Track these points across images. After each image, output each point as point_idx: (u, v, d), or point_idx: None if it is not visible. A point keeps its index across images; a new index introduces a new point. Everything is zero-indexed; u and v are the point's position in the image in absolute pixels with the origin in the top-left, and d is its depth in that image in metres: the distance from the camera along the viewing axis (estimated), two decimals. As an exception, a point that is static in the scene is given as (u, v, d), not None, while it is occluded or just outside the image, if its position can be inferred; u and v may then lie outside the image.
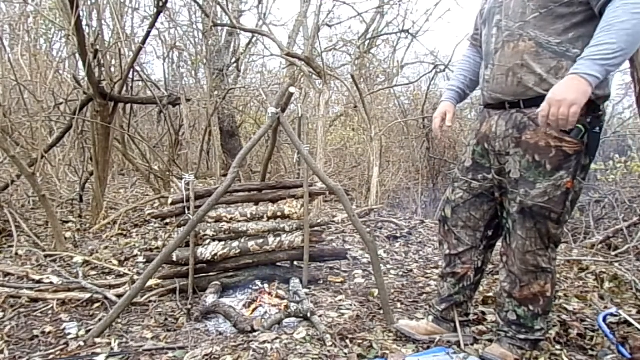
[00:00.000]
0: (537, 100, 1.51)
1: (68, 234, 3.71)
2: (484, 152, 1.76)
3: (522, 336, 1.73)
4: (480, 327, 2.05)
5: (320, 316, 2.14)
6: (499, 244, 1.86)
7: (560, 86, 1.38)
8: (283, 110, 2.58)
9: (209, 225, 2.54)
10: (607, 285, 2.56)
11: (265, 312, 2.23)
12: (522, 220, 1.63)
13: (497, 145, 1.68)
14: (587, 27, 1.48)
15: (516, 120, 1.61)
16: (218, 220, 2.58)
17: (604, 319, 1.99)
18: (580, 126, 1.48)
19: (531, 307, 1.69)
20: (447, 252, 1.90)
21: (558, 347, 1.85)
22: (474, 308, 2.24)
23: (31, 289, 2.46)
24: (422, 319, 2.16)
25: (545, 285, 1.67)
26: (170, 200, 2.53)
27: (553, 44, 1.51)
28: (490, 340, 1.88)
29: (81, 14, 3.58)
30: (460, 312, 1.93)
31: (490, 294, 2.36)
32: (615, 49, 1.32)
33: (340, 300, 2.42)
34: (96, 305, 2.37)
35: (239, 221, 2.61)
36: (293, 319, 2.13)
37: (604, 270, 2.80)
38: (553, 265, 1.68)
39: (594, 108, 1.50)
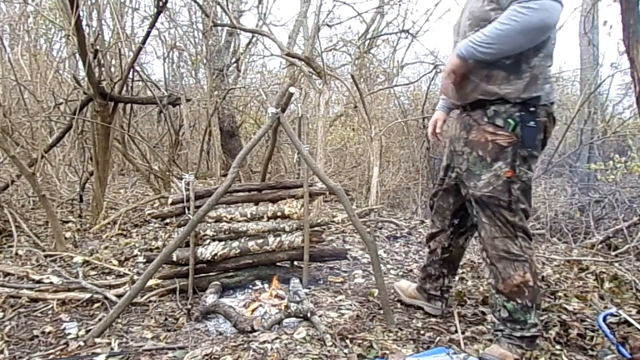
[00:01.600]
0: (478, 103, 1.76)
1: (68, 234, 3.71)
2: (452, 153, 1.97)
3: (517, 333, 1.76)
4: (480, 327, 2.05)
5: (320, 316, 2.14)
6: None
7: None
8: (283, 110, 2.58)
9: (209, 225, 2.54)
10: (607, 285, 2.56)
11: (265, 312, 2.23)
12: (481, 210, 1.80)
13: (456, 146, 1.90)
14: None
15: (465, 122, 1.83)
16: (218, 220, 2.58)
17: (604, 319, 2.00)
18: (510, 120, 1.68)
19: (519, 300, 1.75)
20: (429, 230, 2.22)
21: (558, 347, 1.85)
22: (473, 308, 2.26)
23: (31, 289, 2.47)
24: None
25: (525, 275, 1.74)
26: (170, 200, 2.53)
27: None
28: (490, 340, 1.88)
29: (81, 14, 3.58)
30: (436, 287, 2.21)
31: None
32: (485, 40, 1.60)
33: (340, 300, 2.42)
34: (96, 305, 2.38)
35: (239, 221, 2.62)
36: (293, 319, 2.13)
37: (604, 270, 2.81)
38: (528, 253, 1.76)
39: (526, 105, 1.69)
